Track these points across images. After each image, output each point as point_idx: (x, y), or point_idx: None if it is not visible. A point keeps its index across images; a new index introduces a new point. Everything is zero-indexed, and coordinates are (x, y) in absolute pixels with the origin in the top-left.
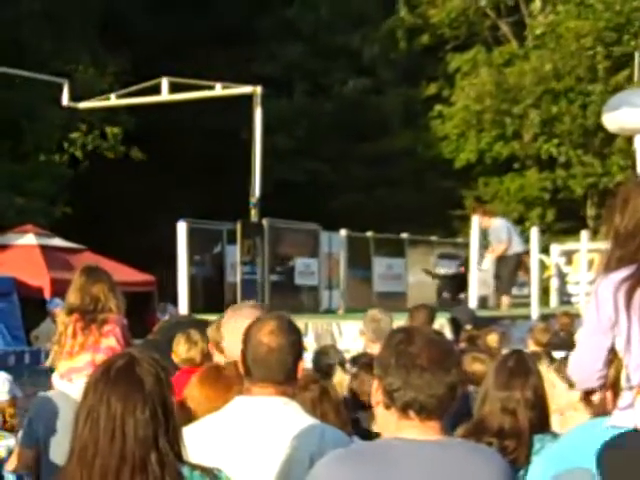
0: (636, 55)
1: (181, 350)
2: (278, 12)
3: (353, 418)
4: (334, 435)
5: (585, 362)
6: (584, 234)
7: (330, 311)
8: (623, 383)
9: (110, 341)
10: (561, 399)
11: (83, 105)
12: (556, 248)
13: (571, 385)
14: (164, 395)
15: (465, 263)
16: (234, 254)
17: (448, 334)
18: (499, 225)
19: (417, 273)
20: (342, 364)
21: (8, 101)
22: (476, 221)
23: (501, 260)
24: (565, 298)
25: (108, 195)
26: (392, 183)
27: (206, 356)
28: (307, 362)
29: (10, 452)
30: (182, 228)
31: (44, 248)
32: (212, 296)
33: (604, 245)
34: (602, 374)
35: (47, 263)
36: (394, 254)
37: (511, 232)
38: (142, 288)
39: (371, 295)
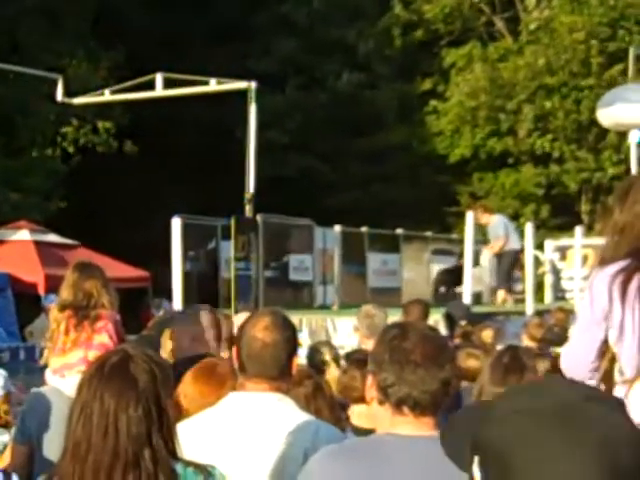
0: (630, 50)
1: (168, 344)
2: (273, 7)
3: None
4: (328, 431)
5: (578, 354)
6: (578, 230)
7: (324, 307)
8: (616, 377)
9: (102, 337)
10: None
11: (77, 101)
12: (550, 244)
13: None
14: (158, 392)
15: (460, 258)
16: (228, 250)
17: (443, 330)
18: (497, 221)
19: (412, 269)
20: (336, 360)
21: (1, 96)
22: (471, 217)
23: (498, 256)
24: (559, 294)
25: (102, 191)
26: (387, 179)
27: None
28: (301, 358)
29: (5, 448)
30: (176, 224)
31: (38, 244)
32: (206, 292)
33: (598, 241)
34: (594, 366)
35: (41, 259)
36: (389, 250)
37: (508, 228)
38: (136, 284)
39: (366, 291)
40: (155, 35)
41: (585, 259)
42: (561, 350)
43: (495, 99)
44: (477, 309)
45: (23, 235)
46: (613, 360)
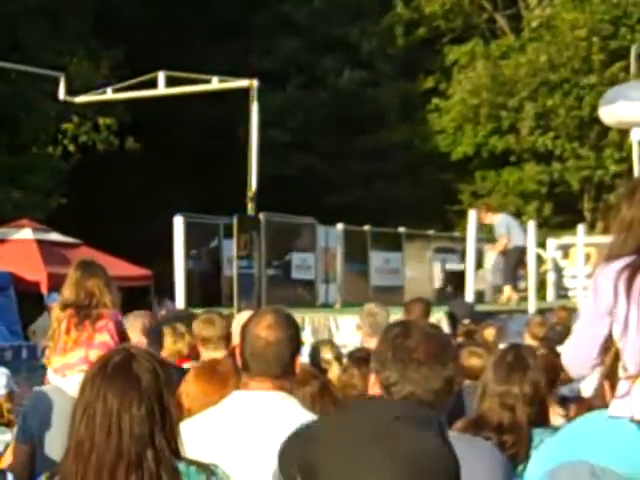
0: (632, 48)
1: (167, 342)
2: (274, 6)
3: None
4: None
5: (580, 349)
6: (581, 228)
7: (327, 305)
8: (620, 373)
9: (104, 337)
10: None
11: (80, 99)
12: (553, 242)
13: None
14: (161, 391)
15: (463, 257)
16: (231, 248)
17: (445, 328)
18: (499, 220)
19: (414, 267)
20: (338, 359)
21: (3, 95)
22: (473, 215)
23: (503, 254)
24: (562, 292)
25: (105, 189)
26: (389, 177)
27: (193, 349)
28: (304, 356)
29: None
30: (179, 222)
31: (41, 243)
32: (209, 290)
33: (601, 239)
34: (596, 362)
35: (44, 258)
36: (391, 248)
37: (510, 227)
38: (139, 282)
39: (368, 289)
40: (156, 33)
41: (587, 257)
42: (562, 347)
43: (497, 96)
44: (480, 308)
45: (25, 234)
46: (617, 356)
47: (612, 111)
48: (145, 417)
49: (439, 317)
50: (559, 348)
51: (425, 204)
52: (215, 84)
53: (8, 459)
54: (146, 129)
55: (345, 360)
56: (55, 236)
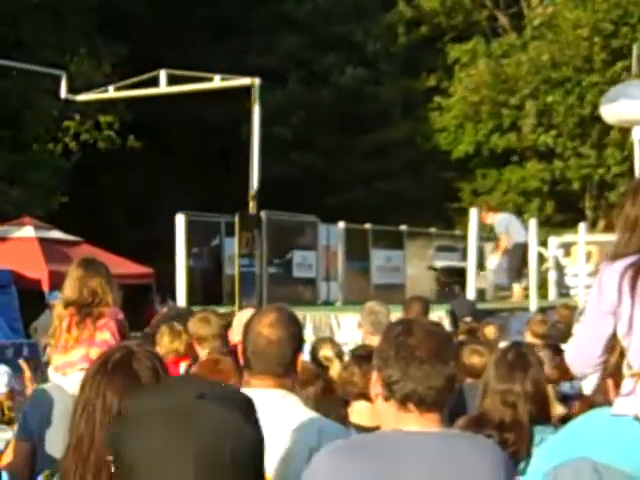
0: (634, 47)
1: (165, 341)
2: (275, 3)
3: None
4: (333, 428)
5: (584, 347)
6: (582, 226)
7: (328, 303)
8: (625, 370)
9: (105, 335)
10: None
11: (81, 98)
12: (554, 240)
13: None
14: None
15: (464, 255)
16: (232, 246)
17: (447, 326)
18: (499, 220)
19: (415, 265)
20: (340, 356)
21: (5, 92)
22: (475, 213)
23: (506, 254)
24: (563, 290)
25: (106, 187)
26: (390, 175)
27: (190, 347)
28: (305, 354)
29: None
30: (180, 220)
31: (42, 240)
32: (210, 289)
33: (602, 237)
34: (600, 361)
35: (45, 255)
36: (392, 246)
37: (510, 226)
38: (140, 280)
39: (369, 287)
40: (157, 31)
41: (589, 256)
42: (566, 345)
43: (498, 94)
44: (481, 306)
45: (27, 232)
46: (622, 354)
47: (614, 110)
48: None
49: (440, 315)
50: (562, 346)
51: (426, 202)
52: (217, 82)
53: (8, 457)
54: (148, 127)
55: (347, 357)
56: (57, 234)
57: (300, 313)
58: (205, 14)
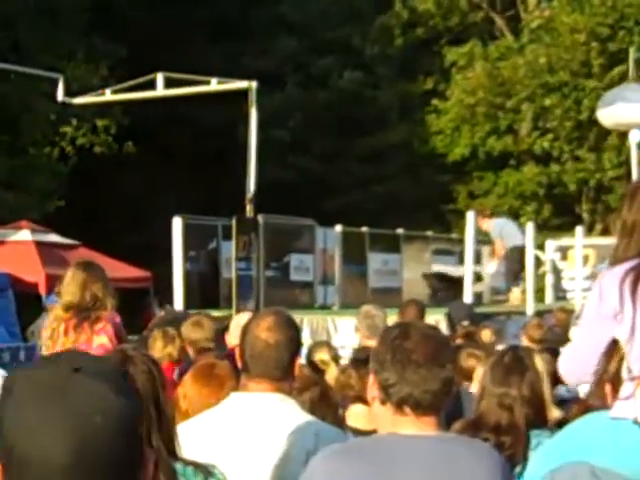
0: (630, 51)
1: (158, 346)
2: (272, 6)
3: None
4: (330, 432)
5: (583, 354)
6: (579, 230)
7: (325, 307)
8: (624, 374)
9: (102, 339)
10: None
11: (78, 100)
12: (551, 244)
13: None
14: (157, 393)
15: (460, 259)
16: (229, 250)
17: (444, 330)
18: (493, 226)
19: (412, 269)
20: (336, 360)
21: (3, 96)
22: (472, 216)
23: (504, 259)
24: (560, 294)
25: (103, 190)
26: (387, 178)
27: (183, 352)
28: (301, 358)
29: None
30: (177, 224)
31: (39, 244)
32: (208, 292)
33: (599, 241)
34: (595, 369)
35: (42, 259)
36: (389, 250)
37: (503, 230)
38: (137, 284)
39: (366, 291)
40: (154, 34)
41: (586, 259)
42: (562, 351)
43: (495, 97)
44: (478, 309)
45: (24, 235)
46: (621, 360)
47: (610, 113)
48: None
49: (437, 319)
50: (561, 349)
51: (424, 205)
52: (214, 85)
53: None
54: (144, 130)
55: (343, 361)
56: (54, 237)
57: (297, 316)
58: (202, 16)
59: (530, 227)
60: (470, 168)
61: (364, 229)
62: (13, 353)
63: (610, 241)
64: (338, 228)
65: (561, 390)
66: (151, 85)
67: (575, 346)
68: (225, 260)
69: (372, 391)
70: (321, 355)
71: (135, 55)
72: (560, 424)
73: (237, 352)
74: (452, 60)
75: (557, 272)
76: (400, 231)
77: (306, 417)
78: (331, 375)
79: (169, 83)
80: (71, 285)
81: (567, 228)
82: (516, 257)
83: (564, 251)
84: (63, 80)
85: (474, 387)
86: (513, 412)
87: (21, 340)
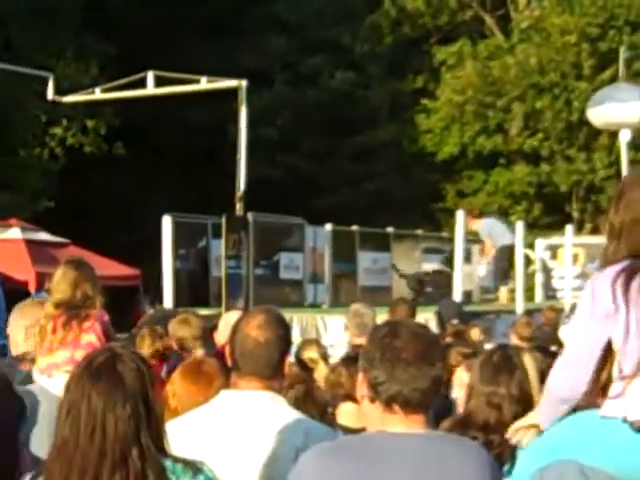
0: (620, 51)
1: (146, 344)
2: (264, 5)
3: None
4: (320, 430)
5: (577, 358)
6: (569, 228)
7: (315, 305)
8: (615, 373)
9: (90, 337)
10: None
11: (68, 99)
12: (541, 242)
13: None
14: (146, 390)
15: (450, 258)
16: (219, 248)
17: (434, 328)
18: (481, 226)
19: (402, 267)
20: (325, 358)
21: None
22: (461, 215)
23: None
24: (550, 293)
25: (93, 189)
26: (377, 177)
27: (171, 349)
28: (291, 356)
29: None
30: (167, 222)
31: (29, 242)
32: (197, 290)
33: (589, 240)
34: (592, 377)
35: (32, 257)
36: (379, 248)
37: (492, 231)
38: (127, 282)
39: (356, 289)
40: (145, 32)
41: (576, 258)
42: (554, 365)
43: (485, 96)
44: (468, 308)
45: (14, 233)
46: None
47: (600, 112)
48: (130, 416)
49: (427, 317)
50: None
51: (414, 204)
52: (204, 84)
53: None
54: (135, 129)
55: (332, 359)
56: (44, 235)
57: (287, 315)
58: (194, 15)
59: (520, 226)
60: (459, 167)
61: (354, 228)
62: (1, 351)
63: (600, 240)
64: (328, 227)
65: None
66: (141, 84)
67: (569, 350)
68: (215, 258)
69: (361, 389)
70: (310, 353)
71: (126, 54)
72: None
73: (227, 350)
74: (441, 59)
75: (547, 271)
76: (390, 230)
77: (296, 415)
78: (320, 373)
79: (159, 82)
80: (62, 283)
81: (557, 227)
82: (505, 256)
83: (554, 250)
84: (53, 79)
85: (456, 392)
86: (502, 411)
87: None
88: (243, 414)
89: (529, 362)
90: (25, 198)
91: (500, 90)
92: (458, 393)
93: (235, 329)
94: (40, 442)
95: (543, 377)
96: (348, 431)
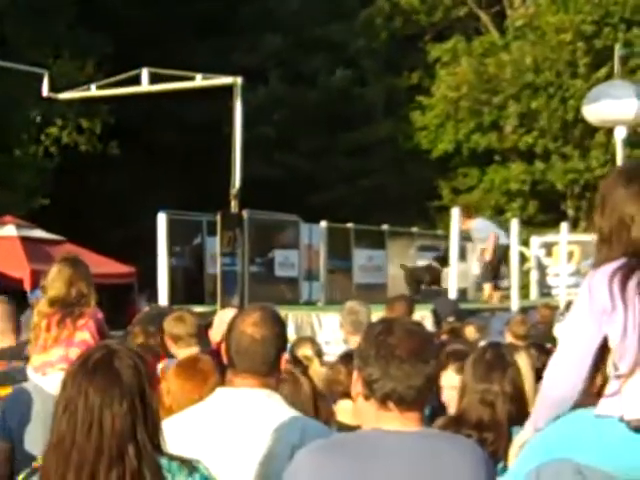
0: (616, 48)
1: (138, 342)
2: (258, 2)
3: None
4: (316, 428)
5: (573, 356)
6: (564, 226)
7: (310, 303)
8: (610, 371)
9: (84, 335)
10: None
11: (63, 96)
12: (536, 240)
13: None
14: (142, 387)
15: (445, 255)
16: (214, 245)
17: (429, 326)
18: (473, 227)
19: (397, 265)
20: (319, 355)
21: None
22: (456, 213)
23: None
24: (545, 290)
25: (89, 187)
26: (372, 174)
27: (165, 347)
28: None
29: None
30: (162, 219)
31: (24, 239)
32: (192, 287)
33: (584, 237)
34: (588, 376)
35: (27, 254)
36: (374, 246)
37: (482, 231)
38: (122, 280)
39: (351, 287)
40: (140, 30)
41: (571, 255)
42: (549, 362)
43: (480, 93)
44: (463, 306)
45: (9, 230)
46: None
47: (596, 110)
48: (127, 413)
49: (422, 314)
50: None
51: (409, 201)
52: (199, 81)
53: None
54: (130, 127)
55: (327, 357)
56: (39, 233)
57: (282, 312)
58: (188, 13)
59: (515, 223)
60: (454, 164)
61: (349, 225)
62: None
63: (595, 238)
64: (323, 224)
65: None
66: (136, 81)
67: (565, 347)
68: (210, 256)
69: (356, 387)
70: (304, 350)
71: (122, 52)
72: None
73: (223, 347)
74: (436, 56)
75: (542, 268)
76: (385, 227)
77: (292, 413)
78: (314, 370)
79: (154, 79)
80: (57, 280)
81: (552, 224)
82: (498, 256)
83: (549, 247)
84: (48, 75)
85: (445, 395)
86: (495, 408)
87: None
88: (239, 412)
89: (525, 360)
90: (20, 196)
91: (495, 87)
92: (446, 396)
93: (231, 326)
94: (34, 440)
95: (539, 375)
96: (347, 428)
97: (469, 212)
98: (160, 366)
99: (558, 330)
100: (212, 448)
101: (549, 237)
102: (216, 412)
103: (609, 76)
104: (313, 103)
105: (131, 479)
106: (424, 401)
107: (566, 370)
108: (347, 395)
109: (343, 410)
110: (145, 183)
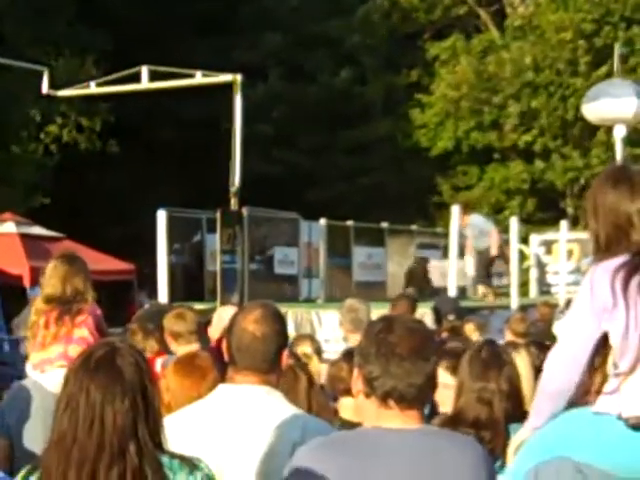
0: (615, 47)
1: (137, 340)
2: (258, 0)
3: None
4: (317, 425)
5: (570, 351)
6: (563, 224)
7: (310, 300)
8: (609, 370)
9: (83, 332)
10: None
11: (63, 93)
12: (535, 238)
13: None
14: (144, 385)
15: (444, 253)
16: (214, 243)
17: (430, 324)
18: (467, 222)
19: (397, 262)
20: (318, 352)
21: None
22: (456, 210)
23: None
24: (544, 288)
25: (88, 184)
26: (372, 172)
27: (164, 344)
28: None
29: None
30: (162, 217)
31: (24, 236)
32: (192, 285)
33: (584, 235)
34: (585, 370)
35: (27, 251)
36: (374, 243)
37: (477, 228)
38: (122, 277)
39: (351, 284)
40: (140, 28)
41: (570, 253)
42: (549, 355)
43: (480, 92)
44: (463, 303)
45: (8, 227)
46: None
47: (595, 108)
48: (128, 410)
49: (422, 312)
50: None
51: (408, 199)
52: (198, 79)
53: None
54: (129, 124)
55: (326, 354)
56: (38, 230)
57: (282, 310)
58: (188, 11)
59: (514, 221)
60: (454, 162)
61: (349, 223)
62: None
63: None
64: (322, 221)
65: None
66: (136, 78)
67: (564, 342)
68: (210, 253)
69: (357, 384)
70: (303, 348)
71: (121, 50)
72: None
73: (224, 344)
74: (434, 54)
75: (541, 266)
76: (385, 225)
77: (293, 410)
78: (313, 368)
79: (154, 76)
80: (53, 278)
81: (552, 222)
82: (487, 256)
83: (548, 245)
84: (48, 73)
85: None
86: (492, 407)
87: (6, 333)
88: (240, 409)
89: (524, 358)
90: (19, 194)
91: (495, 87)
92: (438, 396)
93: (232, 323)
94: (33, 437)
95: (538, 373)
96: (350, 425)
97: (465, 208)
98: (159, 362)
99: (557, 328)
100: (213, 445)
101: (549, 235)
102: (217, 409)
103: (609, 75)
104: (312, 100)
105: (132, 476)
106: (425, 399)
107: (564, 364)
108: (349, 392)
109: (346, 407)
110: (145, 181)
